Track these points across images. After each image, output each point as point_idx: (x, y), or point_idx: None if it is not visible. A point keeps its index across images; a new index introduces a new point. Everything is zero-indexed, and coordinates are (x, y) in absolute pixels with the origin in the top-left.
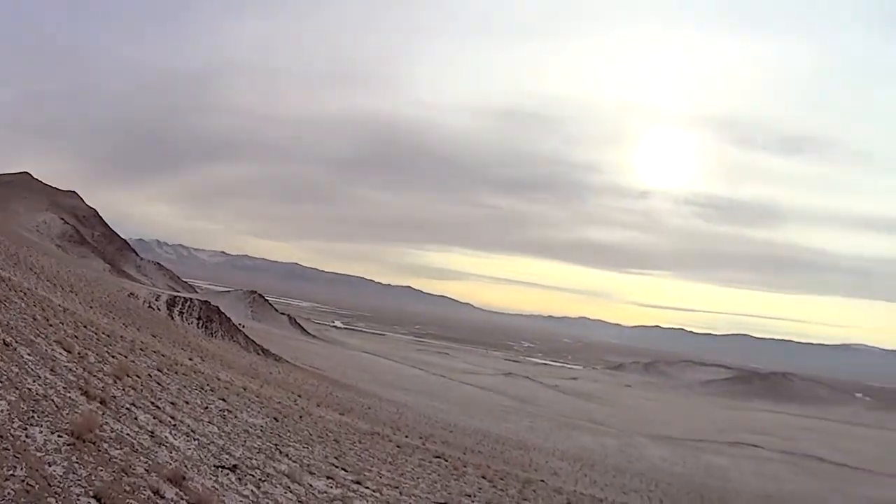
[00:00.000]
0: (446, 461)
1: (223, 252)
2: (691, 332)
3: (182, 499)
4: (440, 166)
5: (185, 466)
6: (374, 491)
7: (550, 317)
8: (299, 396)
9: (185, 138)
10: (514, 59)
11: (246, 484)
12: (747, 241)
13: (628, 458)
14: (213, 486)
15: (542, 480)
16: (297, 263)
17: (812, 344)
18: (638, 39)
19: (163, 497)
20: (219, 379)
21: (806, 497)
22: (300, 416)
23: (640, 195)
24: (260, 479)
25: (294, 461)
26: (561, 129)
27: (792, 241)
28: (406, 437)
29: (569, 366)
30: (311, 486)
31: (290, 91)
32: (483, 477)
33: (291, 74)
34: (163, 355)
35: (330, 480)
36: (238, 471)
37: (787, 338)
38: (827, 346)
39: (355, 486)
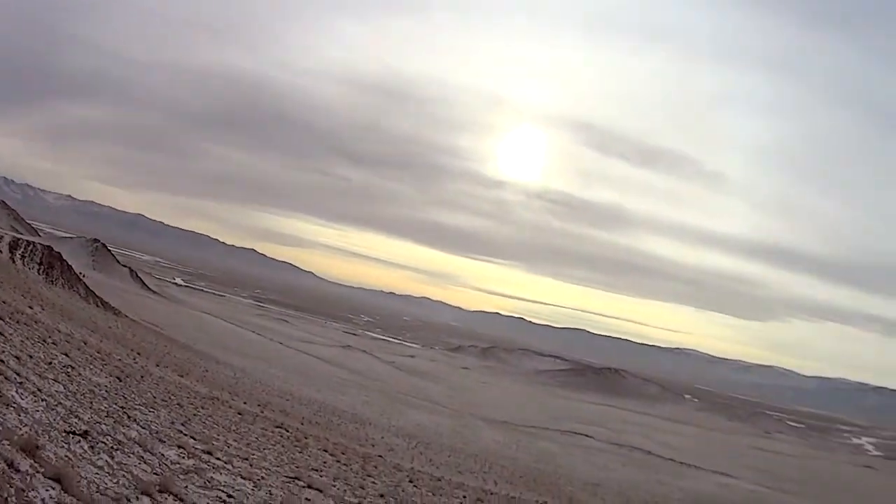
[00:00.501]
0: (287, 431)
1: (70, 196)
2: (531, 322)
3: (38, 471)
4: (297, 131)
5: (37, 433)
6: (225, 462)
7: (392, 293)
8: (138, 354)
9: (43, 71)
10: (386, 35)
11: (99, 453)
12: (594, 241)
13: (463, 439)
14: (67, 456)
15: (381, 456)
16: (142, 215)
17: (647, 345)
18: (513, 34)
19: (18, 470)
20: (59, 331)
21: (633, 486)
22: (141, 377)
23: (495, 185)
24: (112, 448)
25: (143, 427)
26: (424, 110)
27: (636, 247)
28: (244, 403)
29: (407, 343)
30: (163, 455)
31: (156, 36)
32: (324, 450)
33: (160, 19)
34: (4, 302)
35: (181, 450)
36: (89, 437)
37: (623, 337)
38: (661, 347)
39: (206, 457)
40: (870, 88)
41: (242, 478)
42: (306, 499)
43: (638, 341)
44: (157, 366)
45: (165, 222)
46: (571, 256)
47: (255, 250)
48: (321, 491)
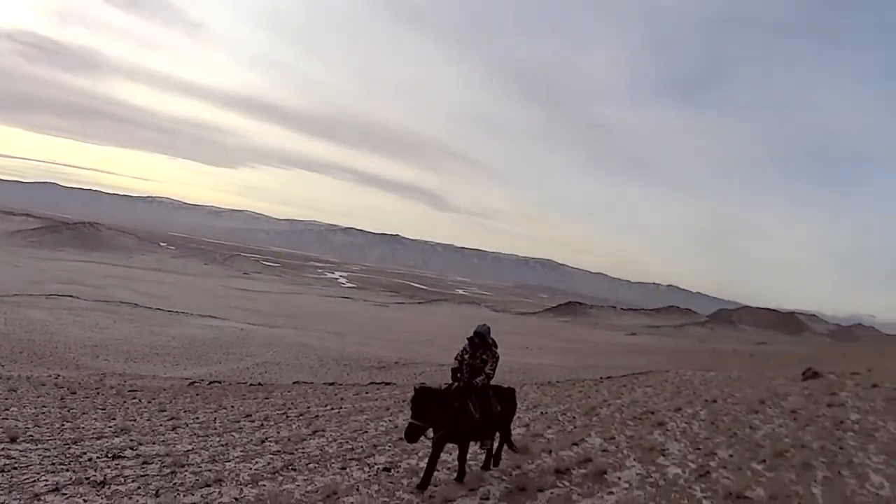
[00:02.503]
0: None
1: None
2: None
3: None
4: None
5: None
6: None
7: None
8: None
9: None
10: None
11: None
12: (66, 87)
13: None
14: None
15: None
16: None
17: (119, 195)
18: None
19: None
20: None
21: (130, 340)
22: None
23: None
24: None
25: None
26: None
27: (110, 94)
28: None
29: None
30: None
31: None
32: None
33: None
34: None
35: None
36: None
37: (95, 188)
38: (133, 197)
39: None
40: None
41: None
42: None
43: (111, 192)
44: None
45: None
46: (42, 104)
47: None
48: None
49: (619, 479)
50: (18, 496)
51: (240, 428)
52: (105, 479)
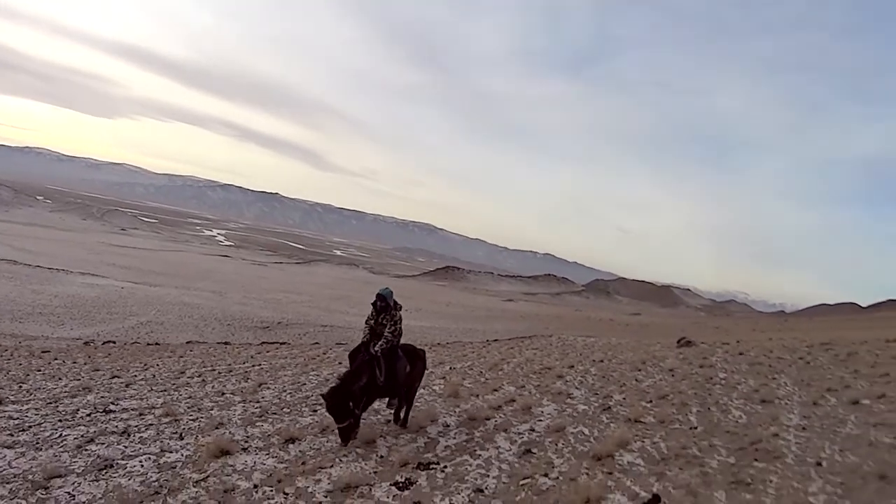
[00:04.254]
0: None
1: None
2: None
3: None
4: None
5: None
6: None
7: None
8: None
9: None
10: None
11: None
12: None
13: None
14: None
15: None
16: None
17: None
18: None
19: None
20: None
21: (11, 300)
22: None
23: None
24: None
25: None
26: None
27: None
28: None
29: None
30: None
31: None
32: None
33: None
34: None
35: None
36: None
37: None
38: (10, 147)
39: None
40: None
41: None
42: None
43: None
44: None
45: None
46: None
47: None
48: None
49: (543, 412)
50: (62, 449)
51: (186, 384)
52: (124, 429)
